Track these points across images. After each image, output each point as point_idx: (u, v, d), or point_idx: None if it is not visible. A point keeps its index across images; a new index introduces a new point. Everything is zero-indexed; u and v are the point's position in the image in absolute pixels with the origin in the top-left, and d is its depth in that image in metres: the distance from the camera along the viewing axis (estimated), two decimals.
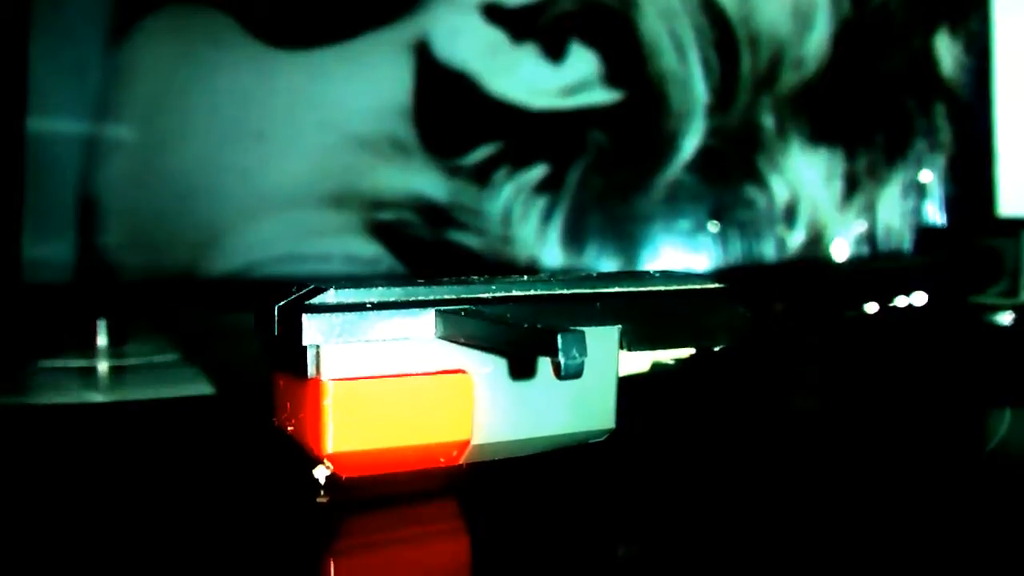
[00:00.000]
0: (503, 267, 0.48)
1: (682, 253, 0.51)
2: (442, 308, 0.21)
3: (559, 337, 0.18)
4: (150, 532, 0.20)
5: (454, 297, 0.21)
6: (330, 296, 0.20)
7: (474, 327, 0.20)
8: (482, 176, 0.48)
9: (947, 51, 0.57)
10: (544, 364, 0.21)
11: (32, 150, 0.43)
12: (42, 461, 0.25)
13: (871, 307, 0.49)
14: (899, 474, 0.23)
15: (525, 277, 0.23)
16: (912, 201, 0.56)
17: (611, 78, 0.50)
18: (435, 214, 0.47)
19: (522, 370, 0.21)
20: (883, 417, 0.29)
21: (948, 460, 0.25)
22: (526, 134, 0.48)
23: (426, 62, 0.47)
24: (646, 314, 0.23)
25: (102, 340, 0.40)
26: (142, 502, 0.21)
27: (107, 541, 0.19)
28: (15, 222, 0.42)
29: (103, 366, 0.37)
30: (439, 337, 0.21)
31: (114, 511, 0.21)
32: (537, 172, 0.49)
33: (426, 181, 0.47)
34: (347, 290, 0.20)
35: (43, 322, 0.42)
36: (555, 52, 0.49)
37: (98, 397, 0.33)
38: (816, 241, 0.53)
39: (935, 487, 0.22)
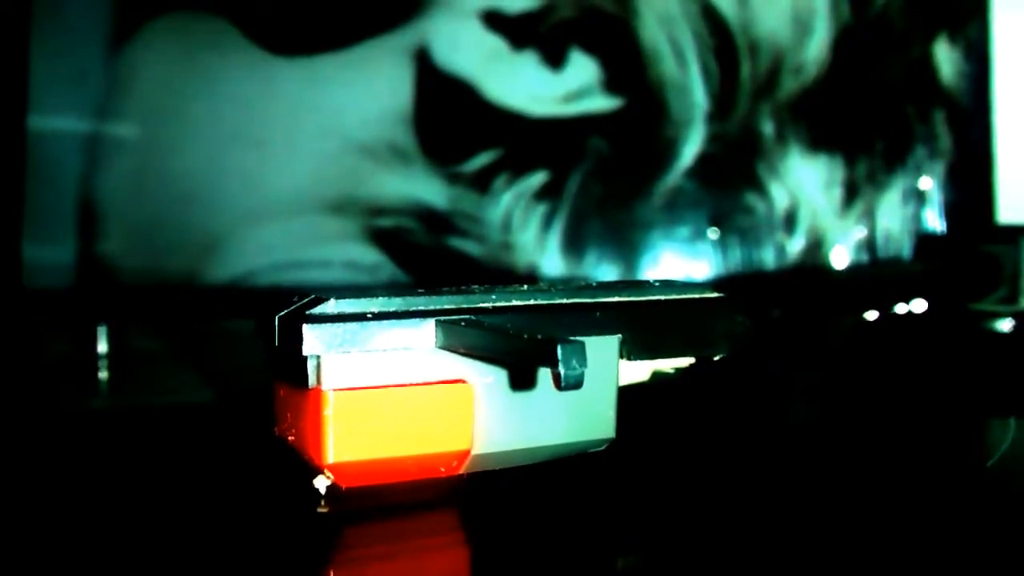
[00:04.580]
0: (503, 274, 0.48)
1: (682, 260, 0.51)
2: (442, 318, 0.21)
3: (559, 348, 0.18)
4: (148, 541, 0.20)
5: (454, 307, 0.21)
6: (330, 306, 0.20)
7: (474, 337, 0.20)
8: (482, 183, 0.48)
9: (946, 58, 0.57)
10: (544, 374, 0.21)
11: (32, 155, 0.43)
12: (39, 466, 0.25)
13: (871, 314, 0.49)
14: (899, 483, 0.23)
15: (525, 287, 0.23)
16: (912, 208, 0.56)
17: (611, 85, 0.50)
18: (435, 221, 0.47)
19: (522, 380, 0.22)
20: (883, 425, 0.29)
21: (948, 468, 0.25)
22: (526, 141, 0.48)
23: (426, 69, 0.47)
24: (646, 323, 0.23)
25: (102, 346, 0.40)
26: (140, 510, 0.21)
27: (105, 550, 0.19)
28: (16, 227, 0.42)
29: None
30: (439, 347, 0.21)
31: (113, 518, 0.21)
32: (537, 179, 0.49)
33: (426, 188, 0.47)
34: (347, 300, 0.20)
35: (43, 327, 0.42)
36: (555, 59, 0.49)
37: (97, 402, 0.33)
38: (816, 248, 0.53)
39: (936, 496, 0.22)
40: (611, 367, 0.23)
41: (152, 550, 0.19)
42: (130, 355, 0.40)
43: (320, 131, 0.46)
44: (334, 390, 0.20)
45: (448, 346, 0.21)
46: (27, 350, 0.41)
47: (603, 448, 0.23)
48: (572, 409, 0.22)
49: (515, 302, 0.22)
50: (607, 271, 0.50)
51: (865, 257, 0.54)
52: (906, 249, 0.55)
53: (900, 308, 0.50)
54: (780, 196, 0.53)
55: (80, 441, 0.28)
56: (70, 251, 0.43)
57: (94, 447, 0.27)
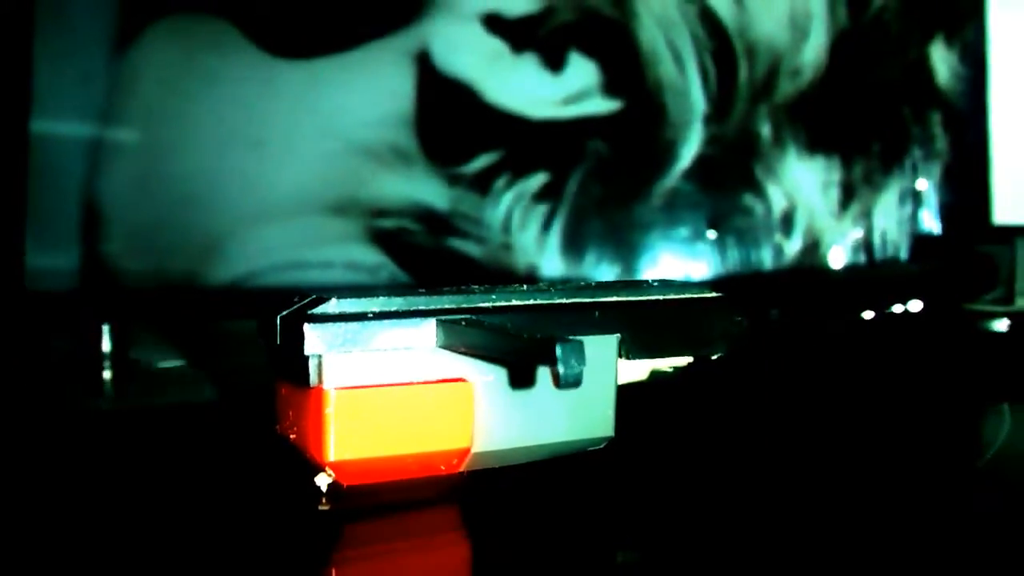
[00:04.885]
0: (503, 274, 0.48)
1: (680, 260, 0.51)
2: (443, 318, 0.21)
3: (558, 347, 0.18)
4: (150, 539, 0.20)
5: (455, 307, 0.21)
6: (332, 306, 0.20)
7: (474, 337, 0.20)
8: (482, 184, 0.48)
9: (943, 60, 0.57)
10: (544, 372, 0.22)
11: (36, 158, 0.43)
12: (42, 467, 0.25)
13: (868, 314, 0.49)
14: (897, 482, 0.24)
15: (525, 287, 0.23)
16: (908, 209, 0.56)
17: (610, 87, 0.50)
18: (436, 222, 0.47)
19: (522, 379, 0.22)
20: (879, 424, 0.30)
21: (945, 466, 0.25)
22: (526, 143, 0.49)
23: (427, 71, 0.47)
24: (644, 323, 0.23)
25: (106, 346, 0.41)
26: (143, 509, 0.22)
27: (109, 549, 0.19)
28: (19, 229, 0.43)
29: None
30: (440, 346, 0.21)
31: (115, 517, 0.21)
32: (537, 180, 0.49)
33: (427, 189, 0.47)
34: (349, 300, 0.21)
35: (46, 329, 0.43)
36: (555, 62, 0.49)
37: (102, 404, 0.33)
38: (813, 248, 0.54)
39: (934, 494, 0.23)
40: (610, 366, 0.23)
41: (155, 549, 0.19)
42: (133, 356, 0.41)
43: (321, 132, 0.46)
44: (335, 389, 0.20)
45: (448, 345, 0.21)
46: (31, 352, 0.41)
47: (602, 446, 0.23)
48: (571, 408, 0.22)
49: (515, 302, 0.22)
50: (606, 271, 0.50)
51: (862, 258, 0.55)
52: (903, 250, 0.56)
53: (897, 308, 0.51)
54: (777, 197, 0.53)
55: (84, 441, 0.28)
56: (73, 253, 0.43)
57: (98, 447, 0.28)
